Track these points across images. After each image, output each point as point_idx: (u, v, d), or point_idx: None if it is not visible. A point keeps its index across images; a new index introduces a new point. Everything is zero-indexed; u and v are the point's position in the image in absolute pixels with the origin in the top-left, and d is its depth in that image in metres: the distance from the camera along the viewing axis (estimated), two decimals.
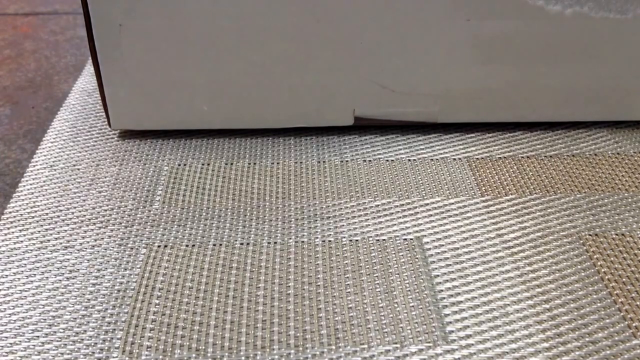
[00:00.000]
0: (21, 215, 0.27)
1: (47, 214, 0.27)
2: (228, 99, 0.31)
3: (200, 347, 0.22)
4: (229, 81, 0.31)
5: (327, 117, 0.33)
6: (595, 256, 0.26)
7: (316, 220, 0.27)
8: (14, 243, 0.26)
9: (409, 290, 0.24)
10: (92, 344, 0.22)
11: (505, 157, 0.32)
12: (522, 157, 0.32)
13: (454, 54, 0.31)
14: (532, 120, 0.34)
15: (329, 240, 0.26)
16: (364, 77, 0.31)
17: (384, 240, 0.26)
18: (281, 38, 0.30)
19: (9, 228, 0.27)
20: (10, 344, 0.22)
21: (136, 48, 0.30)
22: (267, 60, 0.30)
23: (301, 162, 0.31)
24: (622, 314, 0.23)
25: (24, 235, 0.26)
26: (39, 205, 0.28)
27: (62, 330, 0.22)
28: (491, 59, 0.31)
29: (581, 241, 0.27)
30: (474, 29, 0.30)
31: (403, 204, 0.28)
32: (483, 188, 0.30)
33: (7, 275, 0.24)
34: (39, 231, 0.26)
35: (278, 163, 0.31)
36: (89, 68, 0.39)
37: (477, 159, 0.32)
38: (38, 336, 0.22)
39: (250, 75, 0.31)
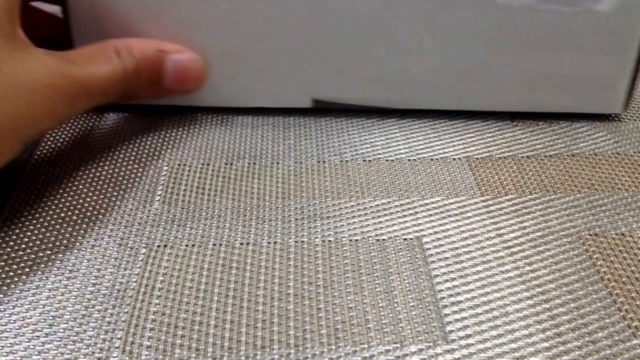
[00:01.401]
0: (20, 215, 0.27)
1: (46, 213, 0.27)
2: None
3: (200, 347, 0.22)
4: None
5: (286, 98, 0.34)
6: (595, 256, 0.26)
7: (316, 220, 0.27)
8: (14, 243, 0.26)
9: (409, 290, 0.24)
10: (92, 344, 0.22)
11: (505, 157, 0.32)
12: (522, 157, 0.32)
13: (410, 42, 0.32)
14: (487, 110, 0.34)
15: (329, 240, 0.26)
16: (322, 60, 0.32)
17: (383, 240, 0.26)
18: (239, 20, 0.31)
19: (8, 228, 0.26)
20: (10, 344, 0.22)
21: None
22: (224, 40, 0.31)
23: (301, 162, 0.31)
24: (622, 313, 0.23)
25: (24, 234, 0.26)
26: (38, 205, 0.28)
27: (62, 330, 0.22)
28: (446, 47, 0.32)
29: (581, 241, 0.27)
30: (428, 17, 0.31)
31: (403, 204, 0.28)
32: (483, 188, 0.30)
33: (6, 276, 0.24)
34: (39, 230, 0.26)
35: (278, 163, 0.31)
36: None
37: (477, 158, 0.32)
38: (38, 336, 0.22)
39: (208, 55, 0.32)
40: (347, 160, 0.31)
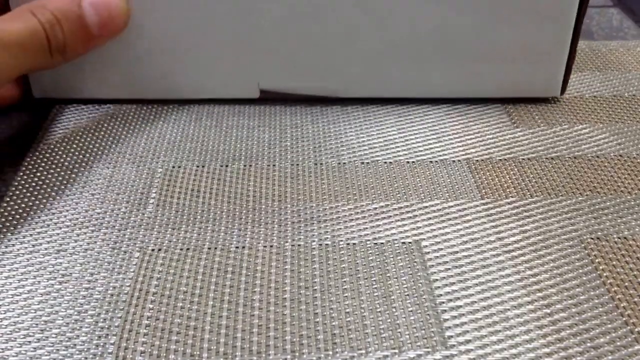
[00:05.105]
0: (13, 218, 0.27)
1: (39, 216, 0.27)
2: (135, 69, 0.33)
3: (195, 353, 0.22)
4: (134, 51, 0.32)
5: (232, 89, 0.34)
6: (597, 260, 0.26)
7: (313, 224, 0.27)
8: (5, 247, 0.25)
9: (407, 295, 0.24)
10: (85, 349, 0.22)
11: (505, 159, 0.31)
12: (523, 159, 0.31)
13: (347, 31, 0.32)
14: (425, 96, 0.35)
15: (326, 244, 0.26)
16: (266, 50, 0.33)
17: (381, 243, 0.26)
18: (185, 10, 0.31)
19: (0, 231, 0.26)
20: (2, 349, 0.21)
21: None
22: (169, 32, 0.32)
23: (298, 165, 0.31)
24: (624, 319, 0.23)
25: (16, 238, 0.26)
26: (31, 208, 0.27)
27: (54, 336, 0.22)
28: (384, 36, 0.33)
29: (583, 245, 0.26)
30: (362, 6, 0.32)
31: (401, 207, 0.28)
32: (483, 191, 0.29)
33: None
34: (31, 234, 0.26)
35: (274, 165, 0.31)
36: None
37: (477, 161, 0.31)
38: (30, 341, 0.22)
39: (154, 46, 0.32)
40: (344, 163, 0.31)
